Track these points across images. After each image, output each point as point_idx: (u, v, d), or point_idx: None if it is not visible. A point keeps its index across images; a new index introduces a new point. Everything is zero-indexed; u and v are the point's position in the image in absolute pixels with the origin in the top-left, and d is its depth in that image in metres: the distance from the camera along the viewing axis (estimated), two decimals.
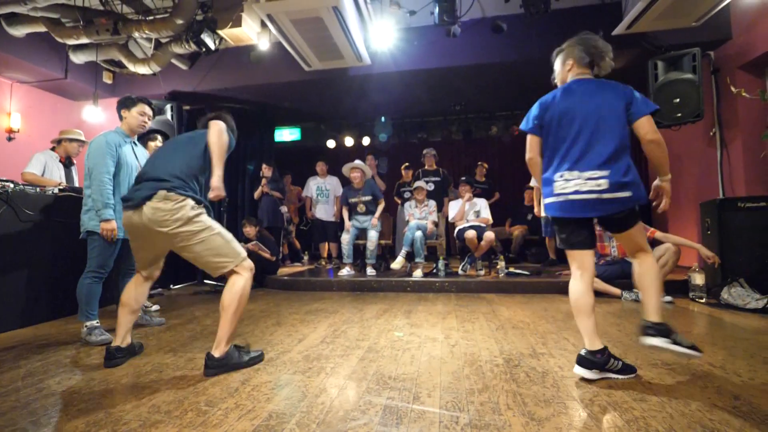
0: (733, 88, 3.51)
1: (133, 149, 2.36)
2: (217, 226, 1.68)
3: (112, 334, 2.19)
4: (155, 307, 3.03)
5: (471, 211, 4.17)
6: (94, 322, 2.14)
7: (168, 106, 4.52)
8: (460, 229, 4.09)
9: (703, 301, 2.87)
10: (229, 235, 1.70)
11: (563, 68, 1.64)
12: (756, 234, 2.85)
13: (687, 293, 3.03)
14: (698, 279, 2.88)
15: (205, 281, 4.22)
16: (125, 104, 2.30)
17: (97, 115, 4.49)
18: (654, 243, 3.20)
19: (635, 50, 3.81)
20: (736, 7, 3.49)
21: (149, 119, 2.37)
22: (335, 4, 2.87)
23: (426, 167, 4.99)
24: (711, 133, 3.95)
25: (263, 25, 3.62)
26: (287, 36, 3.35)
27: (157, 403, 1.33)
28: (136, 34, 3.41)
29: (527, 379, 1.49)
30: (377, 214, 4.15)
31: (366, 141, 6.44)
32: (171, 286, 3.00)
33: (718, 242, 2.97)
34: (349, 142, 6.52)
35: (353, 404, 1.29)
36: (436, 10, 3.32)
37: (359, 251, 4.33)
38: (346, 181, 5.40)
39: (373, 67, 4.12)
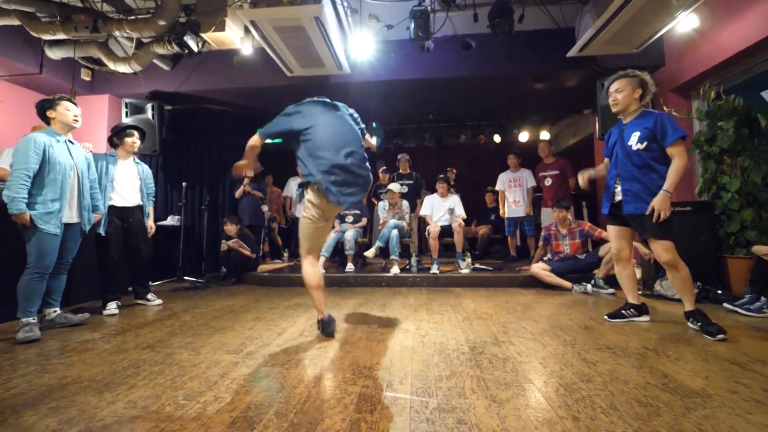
0: (665, 108, 3.78)
1: (68, 148, 2.21)
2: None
3: (87, 318, 2.05)
4: (158, 301, 2.90)
5: (446, 207, 4.17)
6: (30, 319, 1.97)
7: (149, 105, 4.28)
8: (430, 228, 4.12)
9: (640, 292, 3.05)
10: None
11: None
12: (683, 234, 3.07)
13: None
14: (636, 273, 3.07)
15: (185, 278, 4.03)
16: (47, 106, 2.17)
17: None
18: (601, 242, 3.37)
19: (586, 71, 4.01)
20: (669, 38, 3.76)
21: (78, 114, 2.24)
22: (317, 14, 2.82)
23: (400, 171, 5.02)
24: None
25: (247, 30, 3.50)
26: (270, 42, 3.26)
27: (134, 398, 1.25)
28: (117, 33, 3.20)
29: (490, 365, 1.53)
30: (358, 225, 4.37)
31: None
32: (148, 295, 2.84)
33: None
34: None
35: (330, 393, 1.27)
36: (412, 25, 3.34)
37: (337, 249, 4.30)
38: None
39: (352, 75, 4.09)
